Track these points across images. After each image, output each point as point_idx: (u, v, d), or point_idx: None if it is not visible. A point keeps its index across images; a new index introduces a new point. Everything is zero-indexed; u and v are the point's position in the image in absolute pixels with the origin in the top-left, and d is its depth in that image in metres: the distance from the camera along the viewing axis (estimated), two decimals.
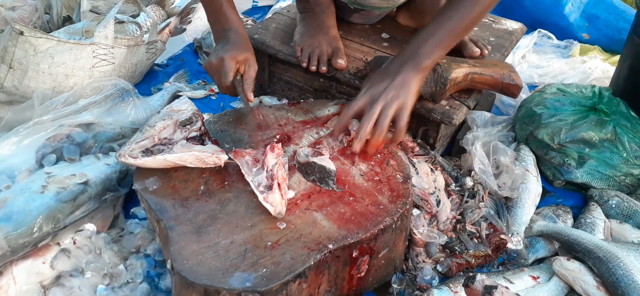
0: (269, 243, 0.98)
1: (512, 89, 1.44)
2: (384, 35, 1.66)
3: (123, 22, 1.63)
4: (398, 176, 1.16)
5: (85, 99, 1.41)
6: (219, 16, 1.32)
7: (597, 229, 1.27)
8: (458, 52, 1.49)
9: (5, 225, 1.05)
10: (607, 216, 1.34)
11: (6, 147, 1.26)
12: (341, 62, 1.46)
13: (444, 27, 1.20)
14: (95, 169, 1.23)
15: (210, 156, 1.10)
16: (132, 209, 1.29)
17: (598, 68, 1.96)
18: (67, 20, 1.79)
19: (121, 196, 1.27)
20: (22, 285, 1.05)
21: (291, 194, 1.08)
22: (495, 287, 0.96)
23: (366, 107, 1.16)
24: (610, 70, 1.92)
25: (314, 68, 1.46)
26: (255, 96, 1.65)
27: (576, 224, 1.32)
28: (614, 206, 1.36)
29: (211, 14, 1.34)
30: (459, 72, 1.37)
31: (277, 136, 1.24)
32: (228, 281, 0.91)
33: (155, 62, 1.84)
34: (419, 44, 1.20)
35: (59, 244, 1.13)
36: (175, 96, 1.65)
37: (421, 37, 1.21)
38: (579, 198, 1.45)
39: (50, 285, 1.08)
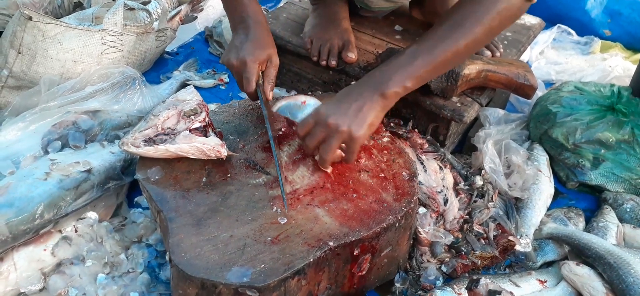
0: (269, 238, 0.97)
1: (526, 90, 1.40)
2: (397, 27, 1.63)
3: (133, 8, 1.62)
4: (404, 173, 1.13)
5: (92, 85, 1.41)
6: (236, 3, 1.22)
7: (610, 234, 1.23)
8: None
9: (7, 211, 1.05)
10: (621, 220, 1.29)
11: (12, 132, 1.27)
12: (351, 55, 1.43)
13: (423, 57, 1.04)
14: (99, 157, 1.23)
15: (212, 148, 1.09)
16: (135, 199, 1.28)
17: (619, 66, 1.89)
18: (78, 5, 1.78)
19: (125, 184, 1.26)
20: (22, 271, 1.05)
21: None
22: (500, 293, 0.94)
23: (313, 128, 1.06)
24: (632, 69, 1.86)
25: (324, 62, 1.45)
26: None
27: (588, 227, 1.28)
28: (628, 210, 1.32)
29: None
30: (472, 68, 1.34)
31: (282, 129, 1.22)
32: (225, 276, 0.90)
33: (166, 50, 1.83)
34: (391, 70, 1.05)
35: (60, 231, 1.13)
36: (184, 85, 1.65)
37: (396, 62, 1.06)
38: (592, 201, 1.41)
39: (51, 272, 1.08)
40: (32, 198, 1.08)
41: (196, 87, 1.43)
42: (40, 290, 1.06)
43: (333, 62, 1.44)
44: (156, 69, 1.78)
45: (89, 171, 1.17)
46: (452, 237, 1.18)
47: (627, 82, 1.69)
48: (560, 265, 1.14)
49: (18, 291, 1.05)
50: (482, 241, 1.19)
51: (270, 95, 1.20)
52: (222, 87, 1.73)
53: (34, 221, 1.07)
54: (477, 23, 1.02)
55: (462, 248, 1.17)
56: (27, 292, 1.05)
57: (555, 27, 2.15)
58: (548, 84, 1.84)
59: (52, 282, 1.06)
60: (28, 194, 1.08)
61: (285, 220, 1.00)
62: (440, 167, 1.30)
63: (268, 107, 1.20)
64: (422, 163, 1.28)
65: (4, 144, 1.25)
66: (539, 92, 1.60)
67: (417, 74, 1.05)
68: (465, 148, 1.50)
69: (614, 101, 1.45)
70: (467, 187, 1.29)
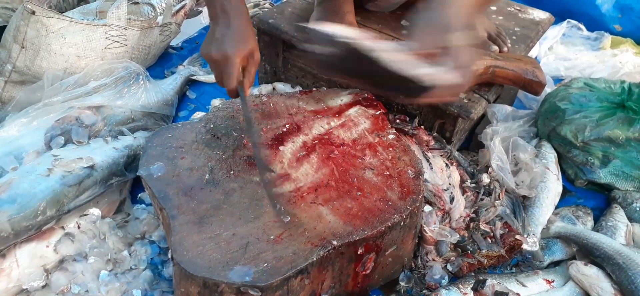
0: (272, 237, 0.96)
1: (534, 86, 1.38)
2: (404, 22, 1.60)
3: (137, 3, 1.61)
4: (409, 171, 1.12)
5: (95, 81, 1.40)
6: None
7: (619, 234, 1.21)
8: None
9: (9, 207, 1.04)
10: (630, 219, 1.28)
11: (15, 128, 1.26)
12: None
13: None
14: (102, 153, 1.22)
15: None
16: (139, 195, 1.28)
17: (629, 62, 1.86)
18: (82, 0, 1.78)
19: (128, 180, 1.26)
20: (25, 267, 1.05)
21: None
22: (506, 294, 0.92)
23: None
24: None
25: None
26: (269, 82, 1.62)
27: (596, 226, 1.26)
28: (638, 209, 1.30)
29: None
30: (480, 64, 1.32)
31: (287, 126, 1.21)
32: (227, 275, 0.89)
33: (170, 45, 1.82)
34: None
35: (63, 228, 1.13)
36: (189, 80, 1.64)
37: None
38: (601, 199, 1.39)
39: (53, 269, 1.08)
40: (34, 194, 1.07)
41: (200, 82, 1.42)
42: (43, 287, 1.06)
43: None
44: (160, 63, 1.77)
45: (92, 167, 1.17)
46: (458, 236, 1.16)
47: (638, 78, 1.67)
48: (568, 265, 1.12)
49: (20, 288, 1.05)
50: (489, 240, 1.17)
51: (248, 92, 1.15)
52: None
53: (37, 217, 1.06)
54: None
55: (468, 247, 1.16)
56: (29, 289, 1.05)
57: (565, 22, 2.12)
58: (557, 80, 1.82)
59: (54, 279, 1.06)
60: (30, 191, 1.08)
61: (289, 219, 0.99)
62: (447, 164, 1.29)
63: (248, 106, 1.13)
64: (428, 161, 1.27)
65: (7, 140, 1.24)
66: (548, 89, 1.58)
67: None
68: (472, 145, 1.49)
69: (625, 98, 1.43)
70: (473, 185, 1.27)
